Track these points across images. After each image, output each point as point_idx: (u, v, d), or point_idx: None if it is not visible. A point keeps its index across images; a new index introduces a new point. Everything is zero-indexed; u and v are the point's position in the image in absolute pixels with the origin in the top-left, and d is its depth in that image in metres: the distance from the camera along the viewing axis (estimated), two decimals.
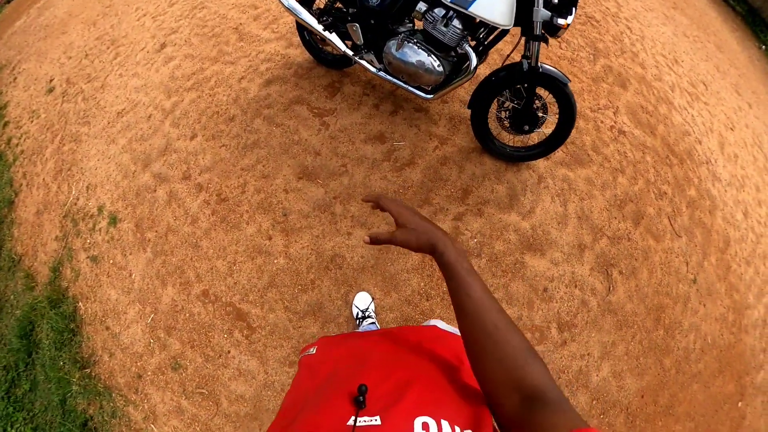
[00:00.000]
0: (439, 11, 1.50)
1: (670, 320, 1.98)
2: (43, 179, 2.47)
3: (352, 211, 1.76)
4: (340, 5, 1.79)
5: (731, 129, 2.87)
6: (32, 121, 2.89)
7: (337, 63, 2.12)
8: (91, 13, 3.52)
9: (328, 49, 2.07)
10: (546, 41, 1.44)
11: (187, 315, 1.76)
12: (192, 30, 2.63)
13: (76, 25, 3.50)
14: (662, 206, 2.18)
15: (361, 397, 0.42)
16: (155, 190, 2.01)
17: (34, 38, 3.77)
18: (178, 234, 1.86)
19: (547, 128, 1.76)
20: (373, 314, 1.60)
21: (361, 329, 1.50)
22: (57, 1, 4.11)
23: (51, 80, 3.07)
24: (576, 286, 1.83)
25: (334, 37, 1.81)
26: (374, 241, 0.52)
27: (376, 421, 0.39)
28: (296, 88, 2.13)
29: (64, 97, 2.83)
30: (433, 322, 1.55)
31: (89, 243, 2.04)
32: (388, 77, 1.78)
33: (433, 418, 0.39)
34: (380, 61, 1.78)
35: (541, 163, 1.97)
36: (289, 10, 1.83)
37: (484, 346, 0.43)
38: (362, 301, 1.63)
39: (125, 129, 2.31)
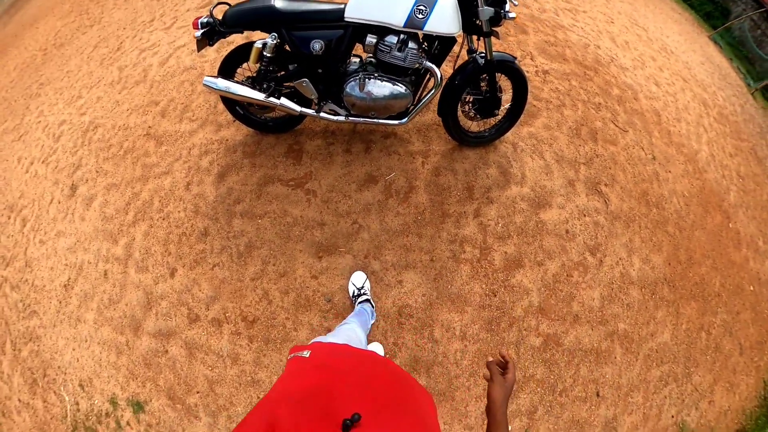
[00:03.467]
0: (391, 38, 1.49)
1: (656, 197, 2.36)
2: (19, 400, 2.03)
3: (390, 260, 1.77)
4: (275, 67, 1.65)
5: (612, 22, 3.32)
6: None
7: (284, 125, 1.98)
8: None
9: (270, 114, 1.92)
10: (497, 35, 1.51)
11: None
12: (98, 156, 2.22)
13: None
14: (604, 116, 2.50)
15: (348, 421, 0.46)
16: (166, 351, 1.74)
17: None
18: (224, 383, 1.66)
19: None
20: (368, 292, 1.67)
21: (356, 309, 1.58)
22: None
23: None
24: (585, 215, 2.07)
25: (286, 102, 1.68)
26: (488, 374, 0.72)
27: None
28: (256, 169, 1.97)
29: None
30: (371, 346, 1.60)
31: None
32: (357, 119, 1.75)
33: None
34: (340, 106, 1.75)
35: (508, 134, 2.13)
36: (221, 91, 1.66)
37: None
38: (358, 279, 1.70)
39: (85, 300, 1.93)
